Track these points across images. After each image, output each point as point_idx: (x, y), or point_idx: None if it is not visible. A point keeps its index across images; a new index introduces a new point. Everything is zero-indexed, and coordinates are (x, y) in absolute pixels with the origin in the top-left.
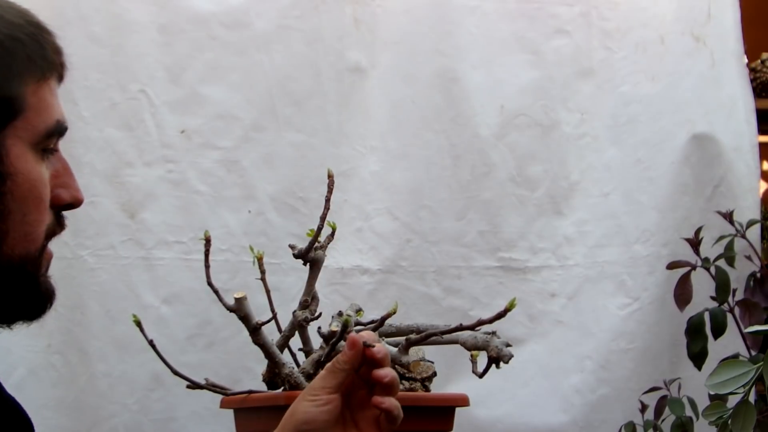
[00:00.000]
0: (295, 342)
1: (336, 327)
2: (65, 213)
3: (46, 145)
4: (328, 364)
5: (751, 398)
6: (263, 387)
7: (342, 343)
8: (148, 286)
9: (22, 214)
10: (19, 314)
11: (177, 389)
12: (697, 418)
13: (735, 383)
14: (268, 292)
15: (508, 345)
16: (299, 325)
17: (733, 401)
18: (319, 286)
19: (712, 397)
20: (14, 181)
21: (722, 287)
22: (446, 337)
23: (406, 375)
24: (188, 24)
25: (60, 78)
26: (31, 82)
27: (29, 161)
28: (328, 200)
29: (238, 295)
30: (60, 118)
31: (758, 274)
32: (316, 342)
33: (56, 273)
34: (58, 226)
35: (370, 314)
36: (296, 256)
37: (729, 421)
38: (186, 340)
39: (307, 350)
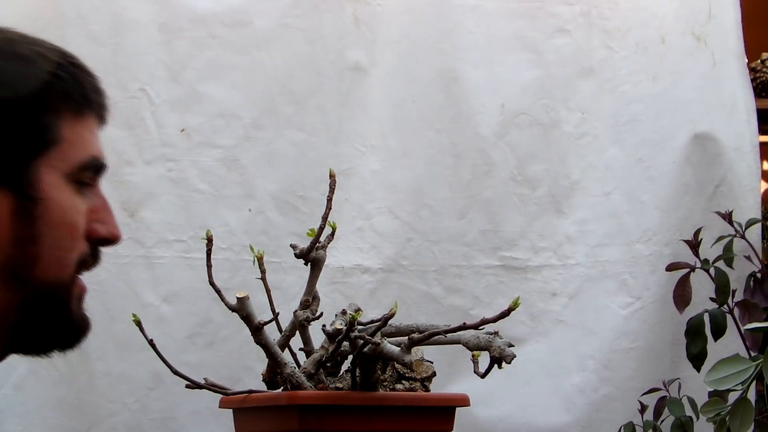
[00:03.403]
0: (296, 342)
1: (341, 325)
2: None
3: (81, 178)
4: None
5: (750, 396)
6: (264, 386)
7: (345, 343)
8: (148, 285)
9: (54, 239)
10: (52, 343)
11: (177, 388)
12: (697, 418)
13: (734, 380)
14: (268, 292)
15: (510, 345)
16: (300, 325)
17: (731, 400)
18: (320, 285)
19: (711, 394)
20: (46, 207)
21: (722, 288)
22: (449, 336)
23: (407, 375)
24: (188, 23)
25: (101, 119)
26: (68, 116)
27: (62, 190)
28: (330, 200)
29: (240, 295)
30: (96, 154)
31: (758, 275)
32: (317, 342)
33: None
34: (92, 258)
35: (371, 313)
36: (298, 256)
37: (727, 418)
38: (186, 339)
39: (308, 350)
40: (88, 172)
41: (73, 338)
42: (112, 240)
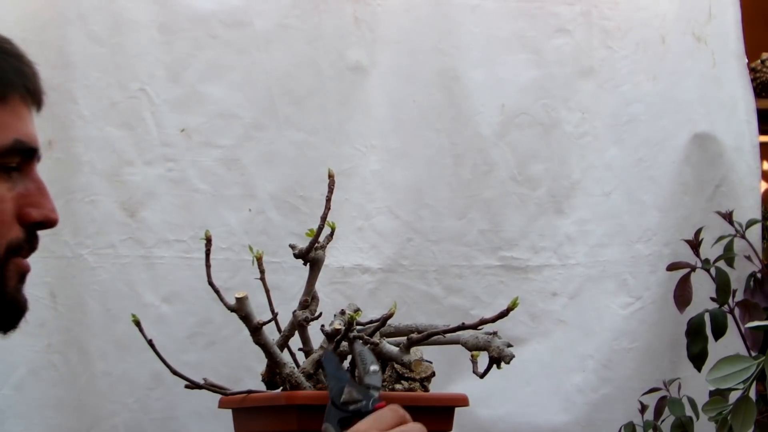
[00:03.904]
0: (295, 342)
1: (339, 325)
2: (40, 233)
3: (6, 163)
4: None
5: (751, 396)
6: (263, 386)
7: (344, 343)
8: (149, 285)
9: None
10: None
11: (177, 388)
12: (698, 418)
13: (736, 378)
14: (267, 292)
15: (509, 345)
16: (299, 325)
17: (733, 399)
18: (320, 285)
19: (712, 393)
20: None
21: (722, 288)
22: (448, 336)
23: (406, 375)
24: (188, 23)
25: (34, 102)
26: None
27: None
28: (328, 200)
29: (239, 295)
30: (21, 138)
31: (758, 275)
32: (316, 342)
33: (56, 272)
34: (26, 243)
35: (371, 313)
36: (296, 256)
37: (729, 417)
38: (186, 339)
39: (307, 350)
40: (13, 157)
41: (10, 319)
42: (47, 223)
